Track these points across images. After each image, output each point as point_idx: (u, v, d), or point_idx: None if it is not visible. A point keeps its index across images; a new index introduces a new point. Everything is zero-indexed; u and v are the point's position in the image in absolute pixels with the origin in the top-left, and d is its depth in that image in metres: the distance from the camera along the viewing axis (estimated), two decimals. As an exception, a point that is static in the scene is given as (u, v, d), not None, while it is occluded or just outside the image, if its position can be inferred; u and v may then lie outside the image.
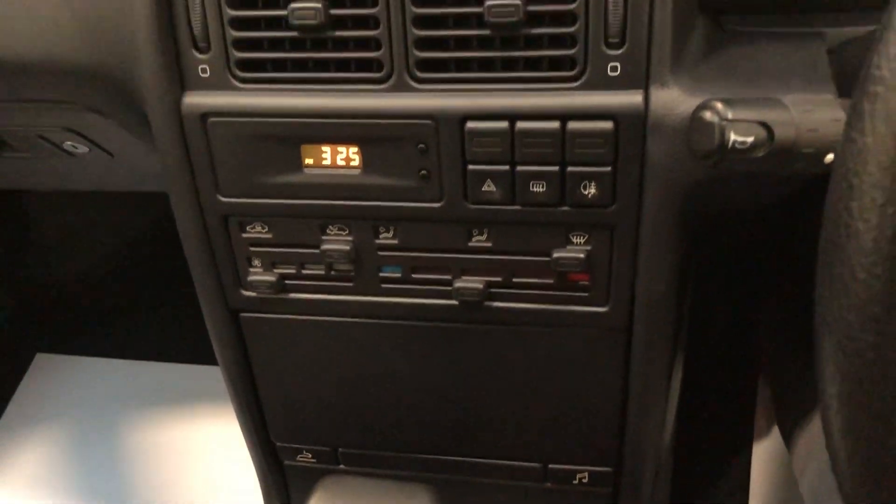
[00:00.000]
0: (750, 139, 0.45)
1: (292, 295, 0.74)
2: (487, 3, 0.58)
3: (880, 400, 0.33)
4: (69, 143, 0.96)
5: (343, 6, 0.61)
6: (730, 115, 0.46)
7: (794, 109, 0.45)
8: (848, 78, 0.60)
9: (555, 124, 0.60)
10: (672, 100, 0.58)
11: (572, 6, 0.58)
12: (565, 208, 0.64)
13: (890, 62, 0.30)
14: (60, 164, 1.04)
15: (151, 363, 1.62)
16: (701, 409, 1.16)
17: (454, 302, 0.70)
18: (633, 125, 0.59)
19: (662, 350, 0.71)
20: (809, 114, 0.45)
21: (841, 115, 0.46)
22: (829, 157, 0.45)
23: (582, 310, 0.69)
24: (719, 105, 0.46)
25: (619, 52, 0.58)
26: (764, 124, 0.45)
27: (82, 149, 0.97)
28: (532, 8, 0.58)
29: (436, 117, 0.62)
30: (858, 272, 0.31)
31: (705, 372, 1.13)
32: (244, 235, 0.71)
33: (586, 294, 0.68)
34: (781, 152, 0.45)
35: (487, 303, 0.70)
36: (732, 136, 0.45)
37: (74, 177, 1.12)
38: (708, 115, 0.47)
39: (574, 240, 0.66)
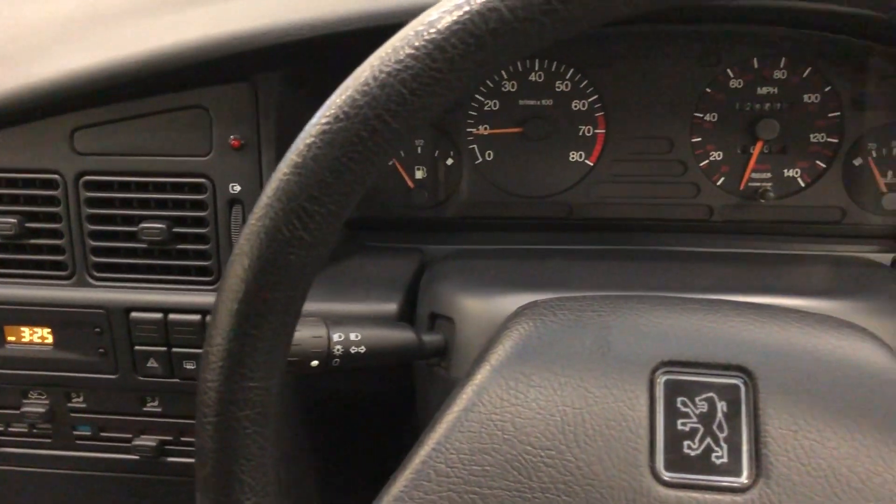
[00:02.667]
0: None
1: (3, 449, 0.87)
2: (141, 225, 0.75)
3: None
4: None
5: (36, 221, 0.78)
6: None
7: (283, 329, 0.62)
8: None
9: (198, 317, 0.77)
10: (282, 302, 0.76)
11: (206, 230, 0.76)
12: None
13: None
14: None
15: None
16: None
17: (135, 457, 0.84)
18: None
19: (299, 495, 0.86)
20: (295, 333, 0.62)
21: (322, 332, 0.63)
22: (314, 362, 0.62)
23: (237, 464, 0.84)
24: None
25: (244, 265, 0.76)
26: None
27: None
28: (176, 230, 0.76)
29: (107, 308, 0.78)
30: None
31: None
32: (-40, 397, 0.84)
33: (237, 451, 0.83)
34: None
35: (163, 458, 0.84)
36: None
37: None
38: None
39: (226, 407, 0.81)
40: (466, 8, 0.39)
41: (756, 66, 0.80)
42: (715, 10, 0.73)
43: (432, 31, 0.40)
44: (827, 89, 0.80)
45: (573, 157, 0.84)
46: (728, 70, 0.80)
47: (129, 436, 0.84)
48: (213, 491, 0.46)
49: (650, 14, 0.74)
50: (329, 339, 0.62)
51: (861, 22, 0.74)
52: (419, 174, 0.86)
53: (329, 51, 0.69)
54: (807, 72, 0.79)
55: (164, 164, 0.75)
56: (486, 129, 0.84)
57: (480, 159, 0.85)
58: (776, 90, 0.80)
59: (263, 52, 0.67)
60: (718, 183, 0.83)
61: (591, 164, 0.84)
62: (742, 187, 0.83)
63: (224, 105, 0.73)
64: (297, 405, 0.81)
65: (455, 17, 0.39)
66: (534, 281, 0.68)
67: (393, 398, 0.79)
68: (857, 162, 0.81)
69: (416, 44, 0.40)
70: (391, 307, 0.74)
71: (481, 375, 0.53)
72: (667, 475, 0.48)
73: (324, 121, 0.42)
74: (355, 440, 0.94)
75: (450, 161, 0.85)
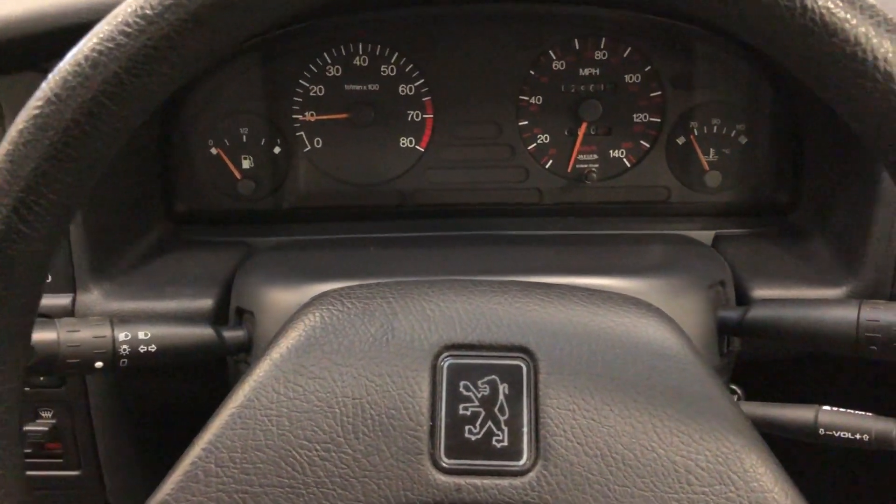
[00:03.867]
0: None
1: None
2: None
3: None
4: None
5: None
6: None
7: (61, 329, 0.58)
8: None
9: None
10: (92, 302, 0.72)
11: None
12: (27, 389, 0.75)
13: None
14: None
15: None
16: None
17: None
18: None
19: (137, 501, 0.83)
20: (74, 333, 0.59)
21: (105, 332, 0.60)
22: (98, 364, 0.59)
23: (60, 474, 0.80)
24: None
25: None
26: None
27: None
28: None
29: None
30: None
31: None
32: None
33: (61, 460, 0.79)
34: (45, 363, 0.58)
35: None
36: None
37: None
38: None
39: (42, 414, 0.77)
40: None
41: (577, 47, 0.80)
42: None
43: (146, 7, 0.37)
44: (647, 69, 0.80)
45: (403, 143, 0.83)
46: (550, 52, 0.80)
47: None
48: None
49: None
50: (114, 338, 0.59)
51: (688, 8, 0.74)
52: (246, 164, 0.83)
53: None
54: (627, 52, 0.80)
55: None
56: (312, 115, 0.82)
57: (309, 147, 0.83)
58: (598, 71, 0.80)
59: (44, 37, 0.63)
60: (547, 166, 0.83)
61: (422, 149, 0.83)
62: (570, 169, 0.83)
63: (15, 95, 0.68)
64: (120, 410, 0.77)
65: None
66: (342, 271, 0.66)
67: (214, 399, 0.76)
68: (681, 141, 0.82)
69: (130, 20, 0.38)
70: (206, 303, 0.71)
71: (260, 370, 0.51)
72: (446, 462, 0.47)
73: (35, 104, 0.39)
74: (182, 444, 0.91)
75: (277, 150, 0.83)
